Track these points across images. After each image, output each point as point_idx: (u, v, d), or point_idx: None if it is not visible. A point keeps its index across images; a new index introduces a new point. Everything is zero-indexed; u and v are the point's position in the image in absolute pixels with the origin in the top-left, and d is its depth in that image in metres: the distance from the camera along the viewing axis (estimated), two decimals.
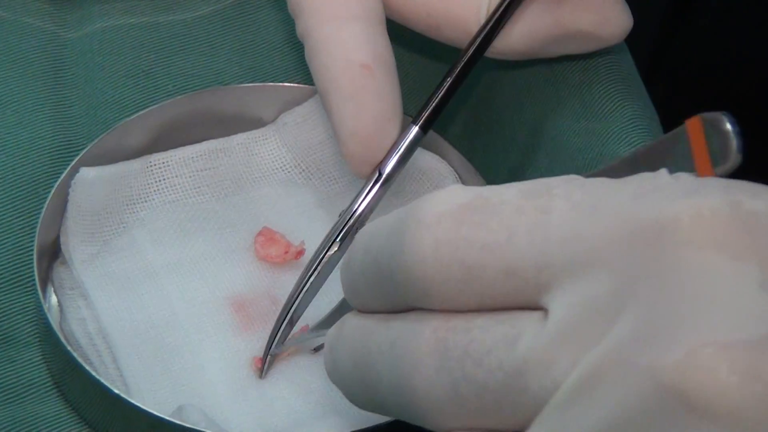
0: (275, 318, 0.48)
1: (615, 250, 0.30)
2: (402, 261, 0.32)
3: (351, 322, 0.35)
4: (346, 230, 0.46)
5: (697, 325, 0.28)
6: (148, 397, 0.45)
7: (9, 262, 0.49)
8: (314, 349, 0.47)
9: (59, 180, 0.49)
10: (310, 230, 0.51)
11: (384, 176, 0.47)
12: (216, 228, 0.51)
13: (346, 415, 0.45)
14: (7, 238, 0.50)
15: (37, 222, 0.48)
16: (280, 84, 0.54)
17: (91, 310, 0.48)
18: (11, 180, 0.51)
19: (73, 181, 0.49)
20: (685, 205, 0.29)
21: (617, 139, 0.50)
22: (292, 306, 0.46)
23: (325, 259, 0.46)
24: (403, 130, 0.47)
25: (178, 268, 0.49)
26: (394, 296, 0.33)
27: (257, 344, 0.47)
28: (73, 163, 0.49)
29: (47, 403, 0.46)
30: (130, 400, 0.43)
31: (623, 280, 0.29)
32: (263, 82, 0.55)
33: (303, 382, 0.47)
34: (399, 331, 0.33)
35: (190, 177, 0.52)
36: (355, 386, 0.35)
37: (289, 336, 0.47)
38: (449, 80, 0.47)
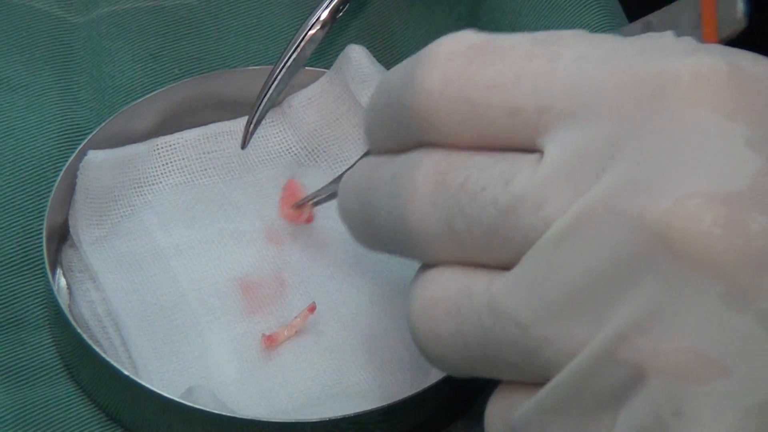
0: (284, 300, 0.48)
1: (614, 99, 0.31)
2: (411, 94, 0.33)
3: (362, 161, 0.37)
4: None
5: (686, 176, 0.29)
6: (157, 378, 0.46)
7: (18, 246, 0.49)
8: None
9: (67, 163, 0.49)
10: (317, 210, 0.51)
11: None
12: (223, 210, 0.51)
13: (354, 397, 0.46)
14: (16, 221, 0.50)
15: (45, 205, 0.48)
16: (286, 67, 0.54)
17: (99, 293, 0.48)
18: (20, 163, 0.51)
19: (81, 165, 0.49)
20: (686, 62, 0.30)
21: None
22: (272, 83, 0.50)
23: (307, 37, 0.50)
24: None
25: (186, 250, 0.50)
26: (402, 132, 0.34)
27: (265, 326, 0.48)
28: (81, 146, 0.50)
29: (58, 386, 0.47)
30: (139, 381, 0.43)
31: (619, 128, 0.30)
32: (269, 65, 0.55)
33: (311, 364, 0.47)
34: (401, 164, 0.34)
35: (197, 159, 0.52)
36: (357, 220, 0.36)
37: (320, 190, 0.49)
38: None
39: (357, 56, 0.53)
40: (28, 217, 0.50)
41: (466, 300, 0.33)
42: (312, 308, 0.48)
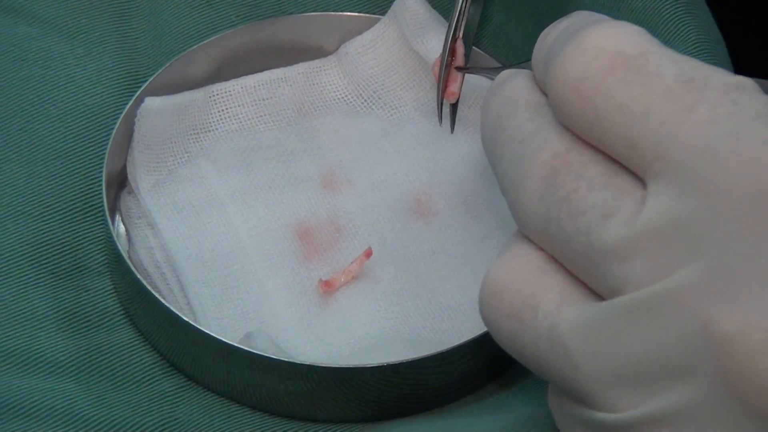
0: (340, 246, 0.49)
1: (730, 190, 0.30)
2: (552, 72, 0.33)
3: (509, 83, 0.37)
4: None
5: (760, 297, 0.29)
6: (216, 324, 0.46)
7: (81, 193, 0.50)
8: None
9: (125, 110, 0.50)
10: (373, 159, 0.51)
11: None
12: (279, 157, 0.51)
13: (411, 343, 0.46)
14: (78, 168, 0.51)
15: (105, 152, 0.49)
16: (341, 13, 0.54)
17: (158, 239, 0.49)
18: (81, 111, 0.52)
19: (138, 111, 0.50)
20: None
21: None
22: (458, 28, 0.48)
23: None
24: None
25: (242, 197, 0.50)
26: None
27: (322, 271, 0.48)
28: (138, 93, 0.50)
29: (120, 332, 0.47)
30: (198, 326, 0.44)
31: (722, 218, 0.30)
32: (327, 10, 0.55)
33: (368, 309, 0.47)
34: (531, 133, 0.35)
35: (253, 106, 0.52)
36: (488, 145, 0.37)
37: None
38: None
39: (412, 3, 0.52)
40: (88, 164, 0.51)
41: (531, 312, 0.34)
42: (368, 253, 0.48)
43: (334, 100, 0.53)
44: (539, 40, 0.37)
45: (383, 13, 0.54)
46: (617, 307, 0.31)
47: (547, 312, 0.33)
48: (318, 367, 0.43)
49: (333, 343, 0.46)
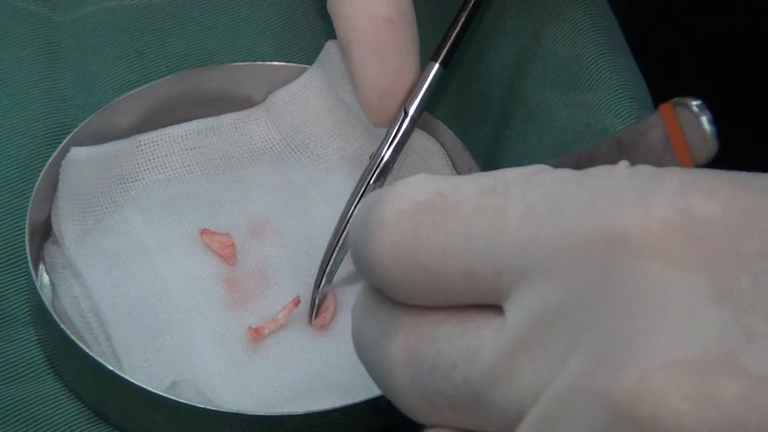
0: (267, 295, 0.48)
1: (567, 260, 0.29)
2: (368, 258, 0.32)
3: (360, 295, 0.35)
4: (379, 172, 0.48)
5: (647, 345, 0.28)
6: (142, 373, 0.46)
7: (5, 243, 0.50)
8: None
9: (50, 160, 0.49)
10: (300, 207, 0.51)
11: (410, 115, 0.48)
12: (206, 206, 0.51)
13: (339, 390, 0.46)
14: (2, 219, 0.50)
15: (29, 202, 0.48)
16: (269, 63, 0.54)
17: (83, 289, 0.48)
18: (7, 161, 0.52)
19: (63, 161, 0.49)
20: (634, 215, 0.29)
21: (605, 110, 0.51)
22: (333, 251, 0.48)
23: (359, 201, 0.48)
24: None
25: (169, 246, 0.50)
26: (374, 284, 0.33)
27: (249, 320, 0.48)
28: (64, 143, 0.50)
29: (45, 383, 0.47)
30: (123, 376, 0.43)
31: (576, 292, 0.29)
32: (256, 60, 0.55)
33: (296, 358, 0.47)
34: (378, 332, 0.33)
35: (180, 156, 0.52)
36: (362, 359, 0.35)
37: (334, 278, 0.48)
38: (463, 15, 0.49)
39: (338, 52, 0.53)
40: (13, 214, 0.50)
41: None
42: (297, 302, 0.48)
43: (262, 149, 0.53)
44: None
45: (311, 63, 0.54)
46: (526, 429, 0.30)
47: None
48: (244, 415, 0.43)
49: (261, 392, 0.46)
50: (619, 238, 0.28)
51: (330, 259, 0.48)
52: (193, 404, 0.43)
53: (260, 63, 0.54)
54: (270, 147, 0.53)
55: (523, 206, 0.30)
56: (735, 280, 0.28)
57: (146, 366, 0.46)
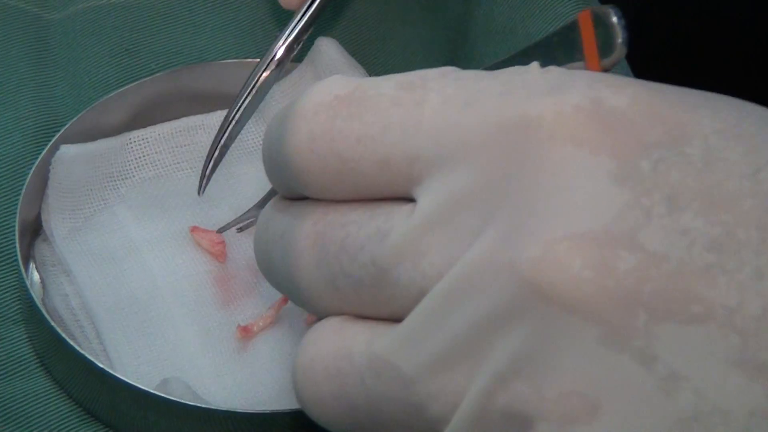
0: (258, 292, 0.49)
1: (481, 146, 0.30)
2: (283, 152, 0.33)
3: (266, 208, 0.36)
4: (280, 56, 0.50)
5: (553, 218, 0.29)
6: (132, 371, 0.46)
7: None
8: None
9: (39, 158, 0.49)
10: None
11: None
12: (197, 203, 0.51)
13: None
14: None
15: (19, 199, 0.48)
16: (258, 60, 0.54)
17: (73, 286, 0.48)
18: None
19: (53, 159, 0.49)
20: (548, 103, 0.30)
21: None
22: (224, 133, 0.49)
23: (258, 83, 0.49)
24: None
25: (159, 244, 0.50)
26: (288, 184, 0.34)
27: (239, 317, 0.48)
28: (53, 141, 0.50)
29: (36, 381, 0.47)
30: (113, 373, 0.43)
31: (489, 175, 0.30)
32: (246, 58, 0.55)
33: (286, 355, 0.47)
34: (287, 222, 0.34)
35: (170, 153, 0.52)
36: (264, 267, 0.36)
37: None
38: None
39: (327, 49, 0.53)
40: (3, 212, 0.50)
41: (346, 361, 0.32)
42: (286, 299, 0.48)
43: (252, 146, 0.53)
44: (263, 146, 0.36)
45: (300, 60, 0.54)
46: (430, 300, 0.30)
47: (361, 350, 0.32)
48: (235, 412, 0.43)
49: (251, 389, 0.46)
50: (532, 123, 0.30)
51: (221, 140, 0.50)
52: (183, 402, 0.43)
53: (250, 60, 0.54)
54: (260, 145, 0.53)
55: (440, 98, 0.31)
56: (637, 164, 0.29)
57: (136, 364, 0.46)
